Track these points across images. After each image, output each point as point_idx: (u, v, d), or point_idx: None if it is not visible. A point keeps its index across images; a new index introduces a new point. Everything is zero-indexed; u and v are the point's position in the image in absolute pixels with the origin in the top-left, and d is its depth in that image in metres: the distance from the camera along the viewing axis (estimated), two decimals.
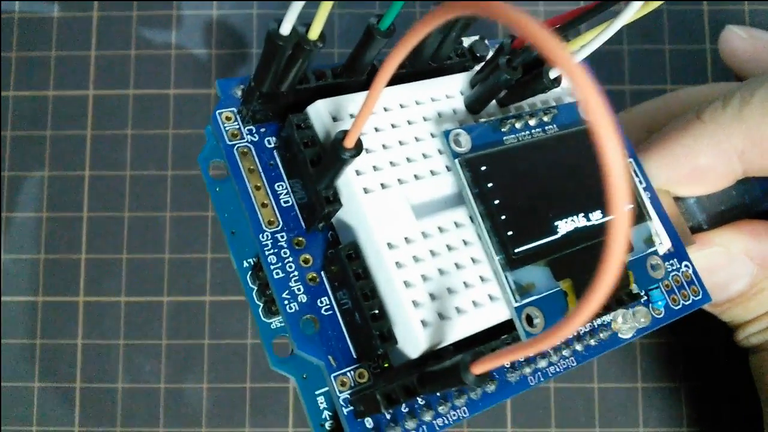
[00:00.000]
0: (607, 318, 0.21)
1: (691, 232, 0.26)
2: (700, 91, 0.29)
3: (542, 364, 0.20)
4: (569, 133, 0.20)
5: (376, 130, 0.19)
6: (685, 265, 0.23)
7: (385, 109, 0.19)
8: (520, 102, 0.21)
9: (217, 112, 0.20)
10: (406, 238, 0.18)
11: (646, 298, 0.22)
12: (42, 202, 0.35)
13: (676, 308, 0.22)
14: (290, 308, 0.18)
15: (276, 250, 0.18)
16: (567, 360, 0.20)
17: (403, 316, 0.17)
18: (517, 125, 0.19)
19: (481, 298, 0.18)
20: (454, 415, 0.18)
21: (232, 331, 0.33)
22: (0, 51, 0.35)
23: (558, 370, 0.20)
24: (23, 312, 0.34)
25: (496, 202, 0.18)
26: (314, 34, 0.17)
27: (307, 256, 0.19)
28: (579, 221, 0.19)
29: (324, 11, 0.16)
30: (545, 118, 0.20)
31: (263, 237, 0.18)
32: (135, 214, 0.34)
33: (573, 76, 0.11)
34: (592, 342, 0.20)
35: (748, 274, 0.26)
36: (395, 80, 0.20)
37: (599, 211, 0.19)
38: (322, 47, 0.17)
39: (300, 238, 0.19)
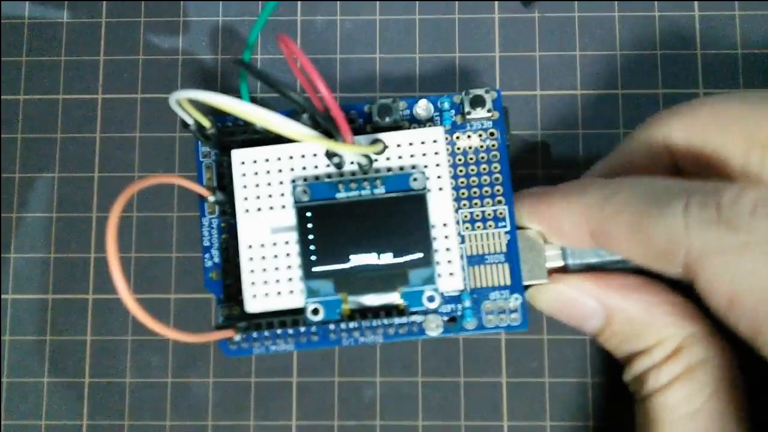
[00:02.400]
0: (404, 319, 0.28)
1: (555, 272, 0.28)
2: None
3: (356, 334, 0.28)
4: (391, 197, 0.27)
5: (267, 173, 0.28)
6: (515, 298, 0.28)
7: (266, 160, 0.28)
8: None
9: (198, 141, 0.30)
10: (261, 244, 0.27)
11: (437, 312, 0.28)
12: (52, 203, 0.35)
13: (489, 326, 0.28)
14: (207, 263, 0.29)
15: (210, 229, 0.30)
16: (376, 336, 0.28)
17: (244, 289, 0.27)
18: (351, 186, 0.27)
19: (296, 290, 0.27)
20: (284, 347, 0.28)
21: None
22: (2, 55, 0.36)
23: (366, 341, 0.28)
24: (34, 309, 0.35)
25: (311, 236, 0.27)
26: (205, 122, 0.27)
27: (226, 236, 0.30)
28: (368, 258, 0.27)
29: (203, 99, 0.23)
30: (377, 183, 0.27)
31: (204, 220, 0.30)
32: (143, 214, 0.35)
33: None
34: (401, 330, 0.28)
35: (596, 316, 0.27)
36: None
37: (390, 254, 0.26)
38: (215, 129, 0.28)
39: (225, 225, 0.30)
